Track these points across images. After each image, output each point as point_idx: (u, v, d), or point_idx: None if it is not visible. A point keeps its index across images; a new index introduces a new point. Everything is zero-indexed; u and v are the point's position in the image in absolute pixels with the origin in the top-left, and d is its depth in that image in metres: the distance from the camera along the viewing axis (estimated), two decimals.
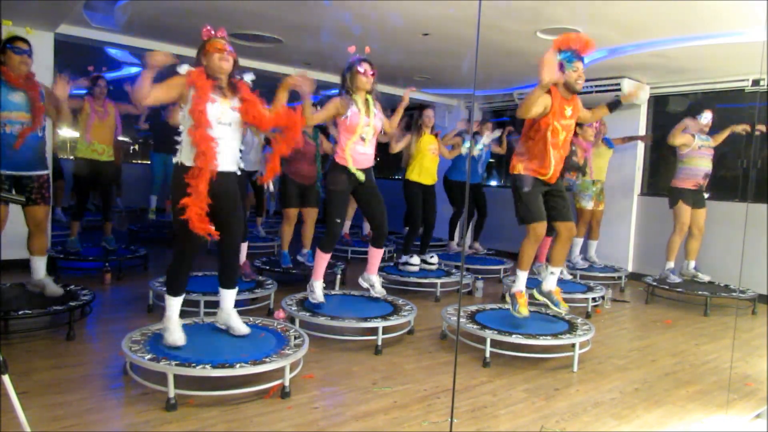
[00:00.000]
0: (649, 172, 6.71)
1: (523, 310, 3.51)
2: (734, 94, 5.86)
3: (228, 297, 3.09)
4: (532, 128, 3.47)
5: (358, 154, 3.70)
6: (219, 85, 2.79)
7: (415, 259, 5.22)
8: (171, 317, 2.85)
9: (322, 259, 3.82)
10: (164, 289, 2.91)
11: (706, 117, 5.26)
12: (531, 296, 3.73)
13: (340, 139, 3.71)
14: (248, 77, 2.96)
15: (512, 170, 3.57)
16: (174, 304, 2.86)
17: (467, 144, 5.67)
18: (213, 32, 2.82)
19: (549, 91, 3.36)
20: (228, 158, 2.83)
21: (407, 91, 3.99)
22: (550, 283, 3.73)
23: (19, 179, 3.46)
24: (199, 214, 2.68)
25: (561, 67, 3.37)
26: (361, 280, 4.09)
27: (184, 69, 2.74)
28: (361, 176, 3.73)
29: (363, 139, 3.68)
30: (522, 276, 3.60)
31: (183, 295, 2.91)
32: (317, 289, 3.80)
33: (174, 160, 2.80)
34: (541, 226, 3.49)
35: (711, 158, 5.29)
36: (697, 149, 5.21)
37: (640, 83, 3.65)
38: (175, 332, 2.80)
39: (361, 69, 3.61)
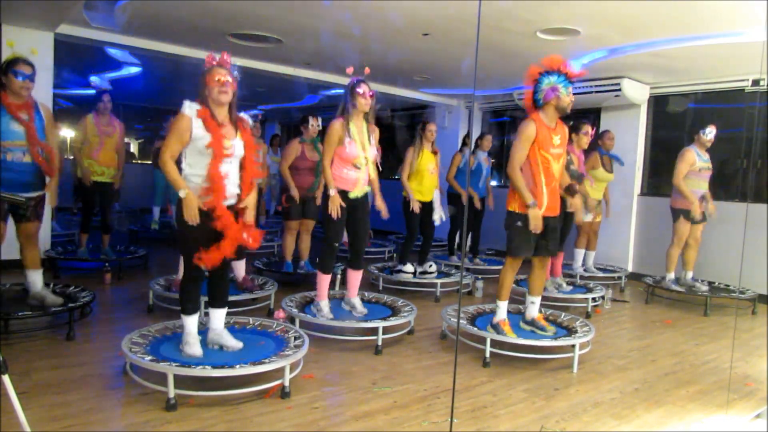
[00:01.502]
0: (649, 172, 6.71)
1: (511, 334, 3.45)
2: (734, 94, 5.86)
3: (217, 316, 3.02)
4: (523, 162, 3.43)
5: (351, 179, 3.70)
6: (221, 122, 2.80)
7: (408, 267, 5.28)
8: (190, 332, 2.89)
9: (324, 280, 3.80)
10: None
11: (711, 132, 5.10)
12: (530, 323, 3.74)
13: (335, 165, 3.71)
14: (249, 121, 2.98)
15: (508, 206, 3.49)
16: (190, 322, 2.89)
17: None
18: (215, 61, 2.81)
19: (533, 120, 3.32)
20: (232, 191, 2.86)
21: (383, 209, 3.89)
22: (532, 311, 3.72)
23: (12, 197, 3.46)
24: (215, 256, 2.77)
25: (555, 90, 3.28)
26: (343, 304, 4.04)
27: (188, 109, 2.72)
28: (359, 194, 3.74)
29: (358, 168, 3.69)
30: (502, 306, 3.55)
31: (198, 313, 2.94)
32: (324, 308, 3.78)
33: (180, 194, 2.76)
34: (518, 262, 3.50)
35: (708, 180, 5.19)
36: (697, 171, 5.09)
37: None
38: (194, 345, 2.84)
39: (360, 90, 3.60)
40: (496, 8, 4.02)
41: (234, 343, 2.96)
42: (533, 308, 3.70)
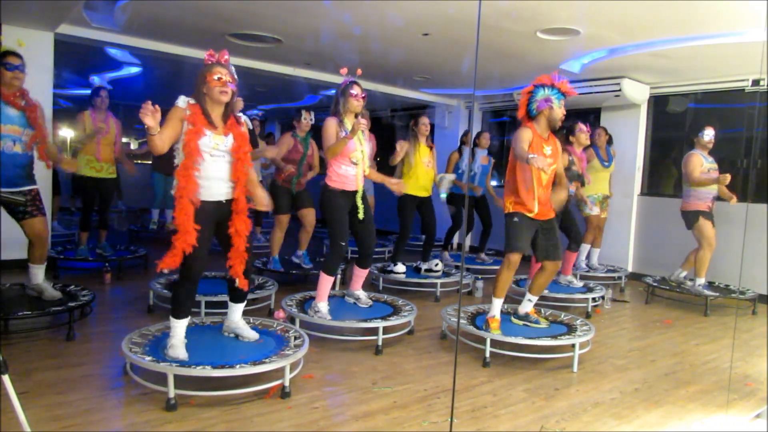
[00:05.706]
0: (649, 172, 6.71)
1: (496, 332, 3.47)
2: (734, 94, 5.86)
3: (237, 310, 3.13)
4: (516, 167, 3.54)
5: (350, 176, 3.73)
6: (213, 120, 2.78)
7: (400, 267, 5.20)
8: (177, 336, 2.82)
9: (327, 281, 3.75)
10: (169, 306, 2.89)
11: (709, 134, 5.07)
12: (523, 318, 3.79)
13: (332, 164, 3.73)
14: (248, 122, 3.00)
15: (504, 209, 3.62)
16: (179, 326, 2.83)
17: (448, 180, 5.52)
18: (215, 58, 2.80)
19: (528, 127, 3.47)
20: (223, 188, 2.83)
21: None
22: (526, 307, 3.78)
23: (8, 195, 3.46)
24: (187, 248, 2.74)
25: (548, 101, 3.44)
26: (346, 297, 4.10)
27: (182, 101, 2.72)
28: (357, 192, 3.76)
29: (355, 163, 3.72)
30: (497, 303, 3.58)
31: (189, 318, 2.88)
32: (323, 308, 3.71)
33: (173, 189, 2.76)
34: (516, 257, 3.53)
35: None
36: (706, 172, 5.05)
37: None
38: (178, 348, 2.76)
39: (353, 92, 3.66)
40: (496, 8, 4.02)
41: (250, 334, 3.08)
42: (528, 305, 3.78)
